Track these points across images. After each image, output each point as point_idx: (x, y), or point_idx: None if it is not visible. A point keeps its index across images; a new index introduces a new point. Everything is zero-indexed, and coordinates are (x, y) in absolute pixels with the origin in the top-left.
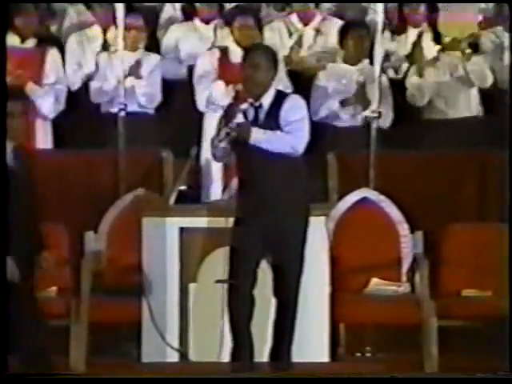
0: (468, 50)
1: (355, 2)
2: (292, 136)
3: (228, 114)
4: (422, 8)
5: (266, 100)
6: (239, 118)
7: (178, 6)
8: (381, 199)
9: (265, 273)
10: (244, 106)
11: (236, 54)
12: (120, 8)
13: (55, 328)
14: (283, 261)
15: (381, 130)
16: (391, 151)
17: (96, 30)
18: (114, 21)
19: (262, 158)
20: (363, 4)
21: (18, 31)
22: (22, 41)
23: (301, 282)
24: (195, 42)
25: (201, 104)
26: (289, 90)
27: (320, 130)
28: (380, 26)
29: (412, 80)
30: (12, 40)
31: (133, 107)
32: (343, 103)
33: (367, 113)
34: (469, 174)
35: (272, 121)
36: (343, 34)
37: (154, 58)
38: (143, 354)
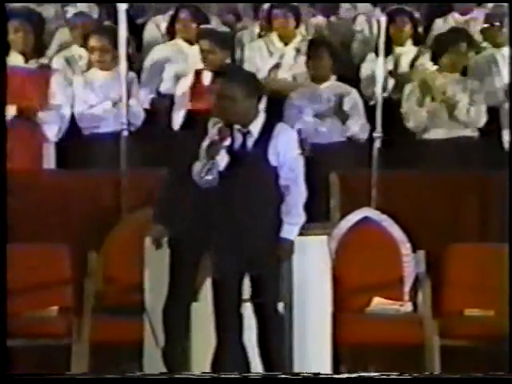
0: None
1: (355, 2)
2: (297, 185)
3: (210, 150)
4: (408, 27)
5: (256, 127)
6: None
7: (162, 25)
8: (382, 218)
9: None
10: (227, 142)
11: (207, 77)
12: (123, 29)
13: (56, 347)
14: (261, 277)
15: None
16: (393, 171)
17: (79, 50)
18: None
19: (246, 183)
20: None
21: (20, 50)
22: (26, 60)
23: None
24: (181, 63)
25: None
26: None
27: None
28: (381, 45)
29: (412, 108)
30: (16, 59)
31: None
32: (318, 116)
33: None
34: (471, 194)
35: (261, 149)
36: (307, 53)
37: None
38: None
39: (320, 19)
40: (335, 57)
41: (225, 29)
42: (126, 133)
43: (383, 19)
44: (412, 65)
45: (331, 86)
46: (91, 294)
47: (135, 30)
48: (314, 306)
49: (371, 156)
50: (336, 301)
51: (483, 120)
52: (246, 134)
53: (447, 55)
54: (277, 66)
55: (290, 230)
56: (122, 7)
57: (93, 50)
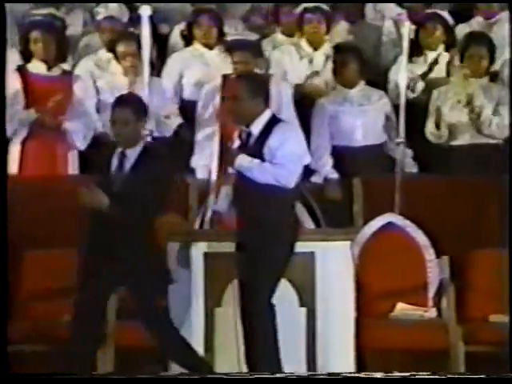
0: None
1: (356, 2)
2: (279, 169)
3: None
4: (439, 32)
5: (256, 127)
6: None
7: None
8: (406, 224)
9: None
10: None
11: None
12: (146, 35)
13: None
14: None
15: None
16: (417, 176)
17: (107, 55)
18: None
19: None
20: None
21: (42, 58)
22: (49, 68)
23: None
24: (200, 68)
25: None
26: (292, 117)
27: (342, 154)
28: (405, 51)
29: (431, 127)
30: (38, 67)
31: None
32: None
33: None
34: (495, 200)
35: (260, 148)
36: (334, 58)
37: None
38: None
39: (344, 24)
40: (362, 62)
41: (253, 36)
42: (149, 138)
43: (407, 24)
44: (447, 70)
45: (361, 90)
46: (115, 299)
47: (159, 38)
48: (338, 311)
49: (395, 161)
50: (359, 306)
51: (506, 132)
52: (248, 134)
53: (466, 60)
54: (314, 74)
55: (249, 162)
56: (146, 12)
57: (123, 55)
